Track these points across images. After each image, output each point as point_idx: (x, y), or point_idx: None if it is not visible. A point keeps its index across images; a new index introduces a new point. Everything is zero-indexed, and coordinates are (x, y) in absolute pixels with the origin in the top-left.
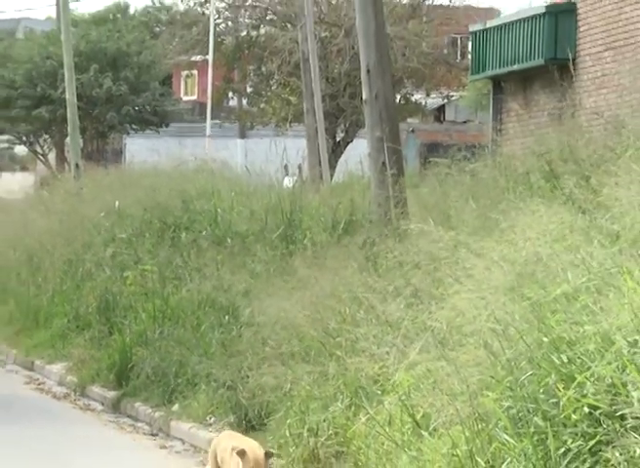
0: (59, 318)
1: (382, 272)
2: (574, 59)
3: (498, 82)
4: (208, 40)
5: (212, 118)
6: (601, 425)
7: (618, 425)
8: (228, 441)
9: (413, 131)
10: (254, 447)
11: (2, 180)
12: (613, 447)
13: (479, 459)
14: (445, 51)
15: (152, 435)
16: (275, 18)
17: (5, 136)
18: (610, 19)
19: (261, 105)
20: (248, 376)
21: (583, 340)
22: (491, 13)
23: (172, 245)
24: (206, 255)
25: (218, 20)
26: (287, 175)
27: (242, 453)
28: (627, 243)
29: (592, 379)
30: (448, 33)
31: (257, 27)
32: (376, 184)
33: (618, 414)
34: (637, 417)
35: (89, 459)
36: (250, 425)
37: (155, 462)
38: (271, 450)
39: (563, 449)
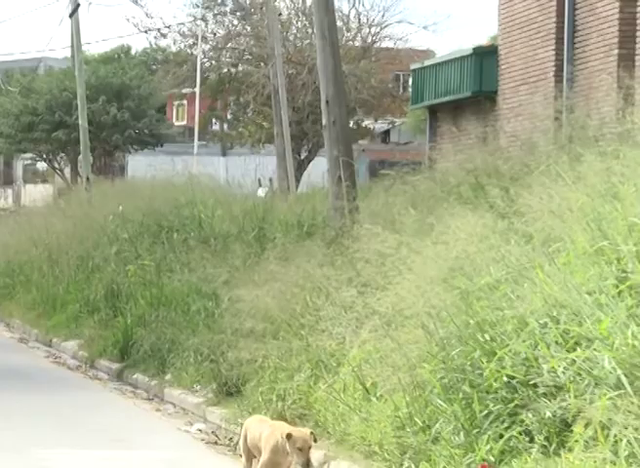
0: (72, 304)
1: (338, 266)
2: (496, 92)
3: (433, 110)
4: (196, 76)
5: (198, 139)
6: (517, 392)
7: (531, 392)
8: (258, 425)
9: (364, 150)
10: (300, 429)
11: (26, 191)
12: (527, 410)
13: (417, 420)
14: (390, 85)
15: (149, 400)
16: (251, 57)
17: (29, 155)
18: (525, 59)
19: (240, 129)
20: (227, 351)
21: (503, 322)
22: (428, 54)
23: (166, 244)
24: (194, 252)
25: (203, 60)
26: (260, 186)
27: (289, 436)
28: (539, 243)
29: (510, 354)
30: (392, 71)
31: (235, 65)
32: (333, 194)
33: (531, 383)
34: (547, 385)
35: (97, 419)
36: (229, 392)
37: (152, 422)
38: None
39: (486, 412)
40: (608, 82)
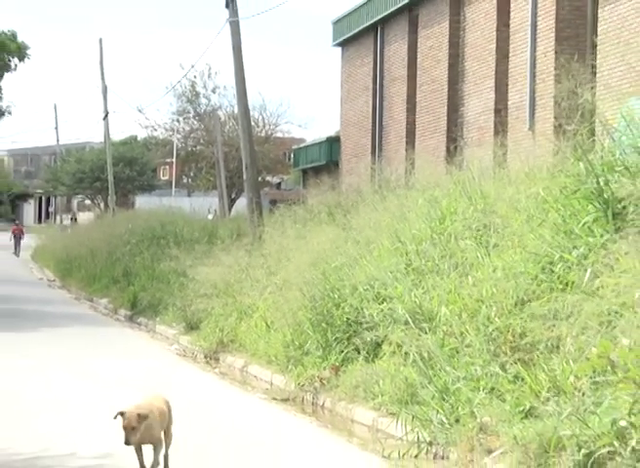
0: (104, 278)
1: (254, 256)
2: (338, 161)
3: (305, 171)
4: (173, 152)
5: (175, 187)
6: (351, 327)
7: (359, 327)
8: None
9: (266, 194)
10: (138, 409)
11: (80, 216)
12: (357, 337)
13: (296, 342)
14: (281, 157)
15: (147, 332)
16: (204, 142)
17: (80, 196)
18: (355, 143)
19: (197, 182)
20: (191, 304)
21: (344, 288)
22: (301, 140)
23: (156, 245)
24: (172, 250)
25: (178, 143)
26: (209, 213)
27: (121, 414)
28: (363, 244)
29: (348, 305)
30: (282, 149)
31: (195, 147)
32: (249, 217)
33: (359, 322)
34: (367, 323)
35: (117, 342)
36: (192, 327)
37: (148, 342)
38: (146, 413)
39: (334, 338)
40: (401, 156)
